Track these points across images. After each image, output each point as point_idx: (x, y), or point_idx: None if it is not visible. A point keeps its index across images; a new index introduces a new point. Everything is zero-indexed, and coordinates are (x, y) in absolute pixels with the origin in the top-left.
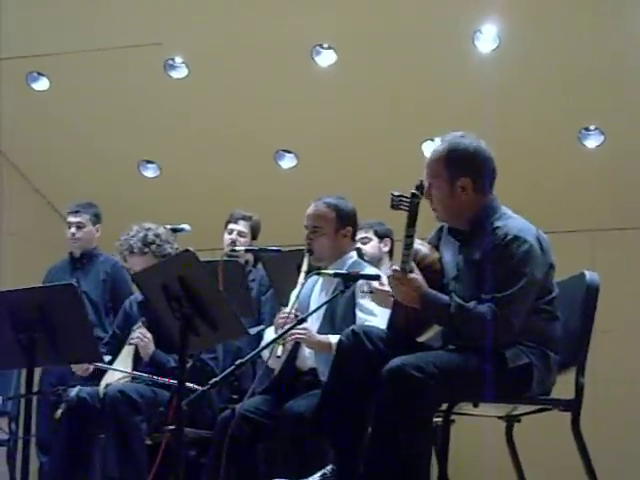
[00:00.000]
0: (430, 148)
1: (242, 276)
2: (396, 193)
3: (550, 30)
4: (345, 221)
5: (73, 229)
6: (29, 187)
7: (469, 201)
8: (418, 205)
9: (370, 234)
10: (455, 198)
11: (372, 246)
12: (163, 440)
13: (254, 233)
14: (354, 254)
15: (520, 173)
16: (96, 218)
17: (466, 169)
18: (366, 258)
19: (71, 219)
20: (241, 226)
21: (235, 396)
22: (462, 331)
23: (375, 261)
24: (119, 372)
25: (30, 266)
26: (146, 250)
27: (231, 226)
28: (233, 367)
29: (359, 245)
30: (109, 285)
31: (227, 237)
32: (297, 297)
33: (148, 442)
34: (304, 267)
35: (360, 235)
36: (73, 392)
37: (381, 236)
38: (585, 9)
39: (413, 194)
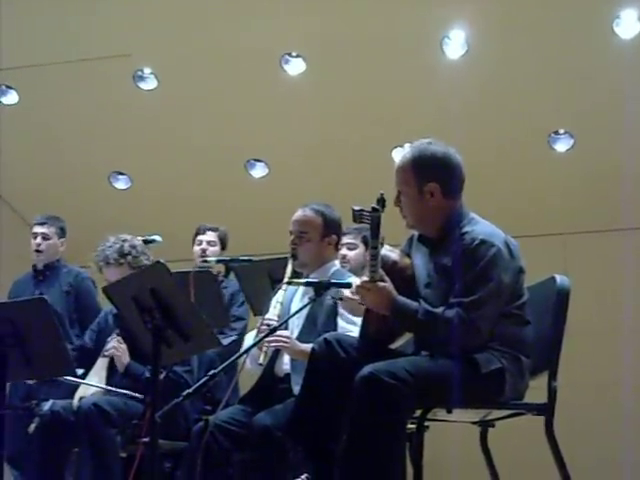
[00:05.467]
0: (399, 155)
1: (215, 286)
2: (356, 208)
3: (518, 35)
4: (331, 229)
5: (38, 239)
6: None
7: (438, 207)
8: (380, 218)
9: (357, 240)
10: (424, 204)
11: (357, 253)
12: (138, 452)
13: (223, 243)
14: (337, 262)
15: (490, 178)
16: (62, 232)
17: (434, 175)
18: (352, 263)
19: (37, 230)
20: (209, 236)
21: (209, 407)
22: (431, 337)
23: (359, 268)
24: (92, 386)
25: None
26: (122, 261)
27: (200, 237)
28: (206, 378)
29: (344, 251)
30: (73, 296)
31: (197, 248)
32: (281, 303)
33: (123, 455)
34: (288, 272)
35: (346, 240)
36: (47, 406)
37: (367, 243)
38: (553, 14)
39: (374, 208)
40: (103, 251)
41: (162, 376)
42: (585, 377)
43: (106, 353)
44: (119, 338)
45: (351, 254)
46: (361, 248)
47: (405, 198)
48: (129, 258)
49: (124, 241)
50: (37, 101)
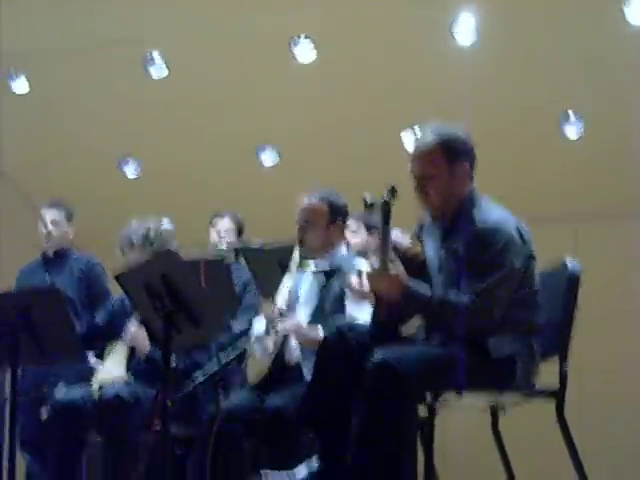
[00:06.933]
0: (411, 138)
1: (227, 274)
2: (368, 200)
3: (530, 20)
4: (337, 215)
5: (49, 225)
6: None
7: (465, 187)
8: (390, 210)
9: (359, 226)
10: (456, 185)
11: (361, 238)
12: (149, 439)
13: (240, 230)
14: (344, 248)
15: (501, 163)
16: (71, 216)
17: (464, 154)
18: (355, 249)
19: (47, 215)
20: (226, 224)
21: (220, 393)
22: (444, 322)
23: (362, 254)
24: (110, 370)
25: (9, 262)
26: (147, 246)
27: (217, 222)
28: (219, 366)
29: (347, 236)
30: (84, 282)
31: (214, 235)
32: (289, 290)
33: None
34: (295, 258)
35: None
36: (60, 393)
37: (370, 228)
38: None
39: (385, 201)
40: (128, 235)
41: (181, 363)
42: (595, 362)
43: (127, 342)
44: (138, 325)
45: (355, 240)
46: (364, 233)
47: (434, 181)
48: (155, 245)
49: (149, 228)
50: (47, 86)
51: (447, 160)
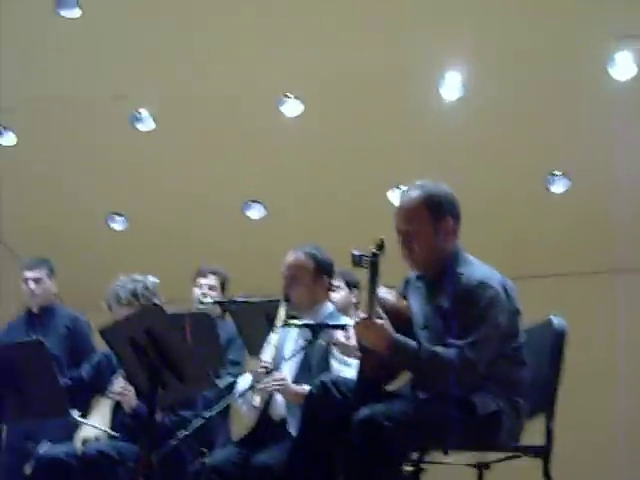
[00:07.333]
0: (397, 196)
1: (212, 329)
2: (357, 252)
3: (515, 77)
4: (323, 271)
5: (32, 285)
6: None
7: (450, 243)
8: (378, 263)
9: (340, 283)
10: (440, 241)
11: (341, 295)
12: None
13: (223, 286)
14: (329, 304)
15: (487, 220)
16: (52, 272)
17: (448, 211)
18: (336, 306)
19: (28, 275)
20: (211, 280)
21: (204, 449)
22: (431, 376)
23: (342, 311)
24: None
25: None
26: (134, 302)
27: (200, 280)
28: (202, 420)
29: None
30: (70, 339)
31: (197, 291)
32: (275, 346)
33: None
34: (281, 315)
35: None
36: (43, 448)
37: (351, 286)
38: (548, 58)
39: (373, 253)
40: (115, 290)
41: (166, 419)
42: (581, 419)
43: (112, 396)
44: (125, 380)
45: (336, 297)
46: (344, 290)
47: (418, 238)
48: (141, 299)
49: (136, 282)
50: (34, 141)
51: (431, 216)
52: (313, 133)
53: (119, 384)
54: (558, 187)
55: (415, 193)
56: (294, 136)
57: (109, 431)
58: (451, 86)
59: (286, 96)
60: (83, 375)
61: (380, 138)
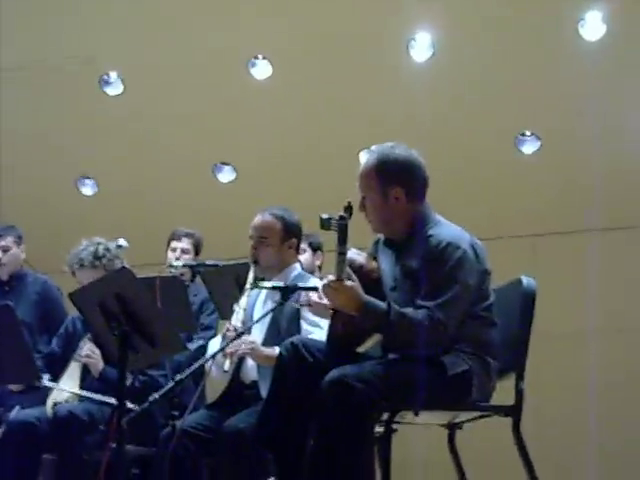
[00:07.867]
0: (364, 159)
1: (182, 292)
2: (324, 216)
3: (484, 39)
4: (291, 233)
5: None
6: None
7: (402, 210)
8: (347, 226)
9: (304, 245)
10: (388, 208)
11: (305, 258)
12: (104, 458)
13: (197, 250)
14: (298, 266)
15: (458, 181)
16: (20, 239)
17: (397, 179)
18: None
19: None
20: (184, 243)
21: (176, 412)
22: (400, 337)
23: (309, 272)
24: (65, 390)
25: None
26: (97, 264)
27: (174, 244)
28: (173, 383)
29: None
30: (40, 305)
31: (171, 255)
32: (244, 309)
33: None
34: (250, 278)
35: None
36: (13, 413)
37: (315, 249)
38: (519, 17)
39: (341, 216)
40: (77, 254)
41: (136, 381)
42: (551, 379)
43: (80, 359)
44: (92, 344)
45: (300, 259)
46: (309, 252)
47: (370, 203)
48: (104, 261)
49: (98, 244)
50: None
51: (379, 182)
52: (283, 95)
53: (87, 348)
54: (529, 147)
55: (369, 159)
56: (264, 98)
57: (82, 393)
58: (421, 47)
59: (255, 58)
60: (55, 349)
61: (350, 100)
